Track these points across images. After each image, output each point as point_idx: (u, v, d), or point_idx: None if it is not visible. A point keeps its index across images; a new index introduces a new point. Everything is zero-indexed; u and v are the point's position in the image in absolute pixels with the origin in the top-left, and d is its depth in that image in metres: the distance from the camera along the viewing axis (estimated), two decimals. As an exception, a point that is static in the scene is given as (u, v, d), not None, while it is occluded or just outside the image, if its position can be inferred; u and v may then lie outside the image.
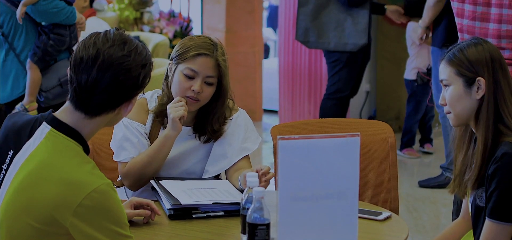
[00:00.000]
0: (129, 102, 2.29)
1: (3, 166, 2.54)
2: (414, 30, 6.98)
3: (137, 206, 2.81)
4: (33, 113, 4.89)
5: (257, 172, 2.89)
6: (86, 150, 2.28)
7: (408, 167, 6.93)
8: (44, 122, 2.27)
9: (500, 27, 3.34)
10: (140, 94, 3.26)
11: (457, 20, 3.48)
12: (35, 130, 2.29)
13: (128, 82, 2.23)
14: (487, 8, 3.43)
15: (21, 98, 4.99)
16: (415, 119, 7.11)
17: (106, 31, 2.28)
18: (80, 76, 2.21)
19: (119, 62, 2.21)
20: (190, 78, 3.12)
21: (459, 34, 3.50)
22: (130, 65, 2.23)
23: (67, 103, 2.27)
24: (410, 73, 7.08)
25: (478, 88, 2.74)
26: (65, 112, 2.27)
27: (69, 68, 2.26)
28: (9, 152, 2.33)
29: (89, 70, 2.20)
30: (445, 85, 2.80)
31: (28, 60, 4.86)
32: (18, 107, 4.94)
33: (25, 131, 2.32)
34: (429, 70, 6.97)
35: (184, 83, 3.12)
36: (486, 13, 3.37)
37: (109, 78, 2.21)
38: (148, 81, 2.31)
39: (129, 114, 3.14)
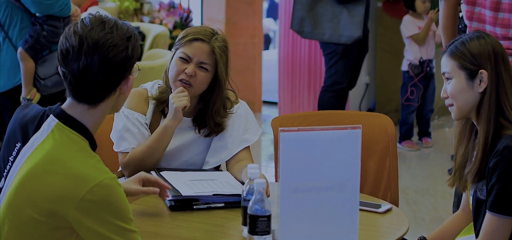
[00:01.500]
0: (127, 79, 2.28)
1: (10, 158, 2.54)
2: (404, 24, 7.10)
3: (145, 182, 2.81)
4: (36, 98, 4.90)
5: None
6: (93, 145, 2.27)
7: (407, 160, 6.93)
8: (51, 115, 2.27)
9: (510, 16, 3.32)
10: (140, 85, 3.28)
11: (466, 7, 3.44)
12: (43, 123, 2.29)
13: (118, 57, 2.22)
14: None
15: (19, 87, 4.98)
16: (408, 110, 7.12)
17: (82, 18, 2.28)
18: (71, 66, 2.22)
19: (103, 41, 2.21)
20: (185, 62, 3.13)
21: (467, 22, 3.46)
22: (115, 40, 2.22)
23: (70, 99, 2.27)
24: (404, 64, 7.15)
25: (480, 81, 2.74)
26: (71, 106, 2.27)
27: (59, 66, 2.26)
28: (16, 144, 2.33)
29: (77, 59, 2.20)
30: (447, 78, 2.79)
31: (19, 49, 4.85)
32: (22, 100, 4.94)
33: (33, 124, 2.32)
34: (421, 63, 7.00)
35: (178, 66, 3.13)
36: (496, 2, 3.35)
37: (99, 59, 2.20)
38: (139, 52, 2.31)
39: (129, 104, 3.16)
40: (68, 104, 2.27)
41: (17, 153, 2.30)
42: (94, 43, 2.20)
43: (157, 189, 2.79)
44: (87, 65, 2.20)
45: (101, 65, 2.21)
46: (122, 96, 2.31)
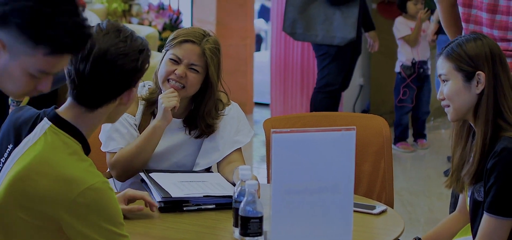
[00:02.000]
0: (130, 91, 2.25)
1: (1, 160, 2.54)
2: (395, 26, 7.16)
3: (130, 201, 2.80)
4: (25, 101, 4.87)
5: None
6: (86, 149, 2.24)
7: (402, 161, 6.92)
8: (45, 118, 2.24)
9: (508, 18, 3.31)
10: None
11: (462, 9, 3.43)
12: (36, 125, 2.26)
13: (127, 66, 2.21)
14: None
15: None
16: (402, 111, 7.13)
17: (99, 23, 2.27)
18: (78, 66, 2.19)
19: (115, 48, 2.20)
20: (175, 63, 3.11)
21: (464, 23, 3.45)
22: (127, 50, 2.21)
23: (69, 100, 2.24)
24: (396, 66, 7.17)
25: (477, 83, 2.71)
26: (67, 109, 2.24)
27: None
28: (8, 146, 2.33)
29: (86, 60, 2.18)
30: (444, 80, 2.78)
31: None
32: (10, 102, 4.90)
33: (27, 126, 2.33)
34: (413, 64, 7.00)
35: (168, 66, 3.11)
36: (493, 4, 3.34)
37: (108, 64, 2.19)
38: (148, 67, 2.29)
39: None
40: (64, 106, 2.25)
41: (8, 155, 2.27)
42: (105, 48, 2.19)
43: (142, 207, 2.78)
44: (95, 69, 2.18)
45: (108, 71, 2.19)
46: (122, 107, 2.29)
